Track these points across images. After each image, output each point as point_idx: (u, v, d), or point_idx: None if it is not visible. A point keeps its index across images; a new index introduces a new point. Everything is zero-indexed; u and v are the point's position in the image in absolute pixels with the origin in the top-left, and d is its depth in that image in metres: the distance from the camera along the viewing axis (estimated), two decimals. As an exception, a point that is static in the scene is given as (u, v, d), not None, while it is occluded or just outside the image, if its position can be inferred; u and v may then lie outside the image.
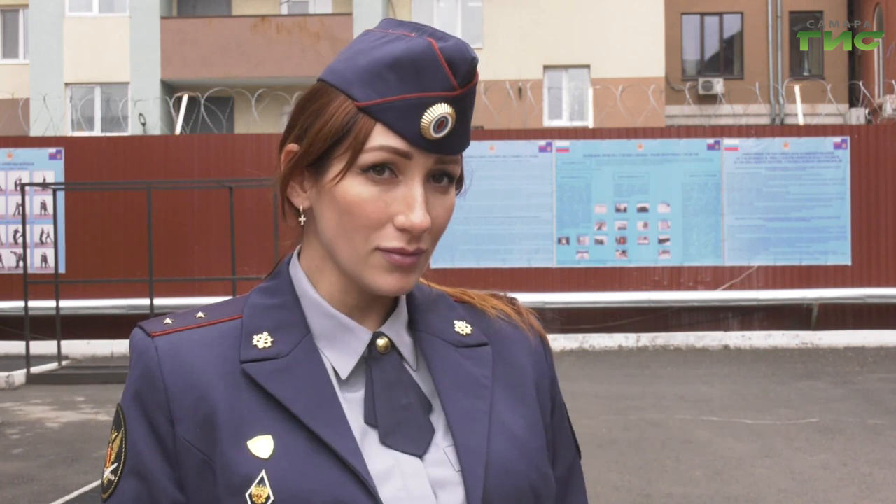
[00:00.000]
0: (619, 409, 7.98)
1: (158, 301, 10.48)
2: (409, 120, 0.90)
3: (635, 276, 12.46)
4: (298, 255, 1.02)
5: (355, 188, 0.91)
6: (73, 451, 6.78)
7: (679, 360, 11.18)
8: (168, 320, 0.99)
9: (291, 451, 0.90)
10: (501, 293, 1.11)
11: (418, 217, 0.90)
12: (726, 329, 12.50)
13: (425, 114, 0.90)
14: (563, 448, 1.08)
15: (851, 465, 6.05)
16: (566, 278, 12.46)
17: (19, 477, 6.09)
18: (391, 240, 0.92)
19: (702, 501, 5.30)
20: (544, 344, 1.09)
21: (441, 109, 0.90)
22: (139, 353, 0.96)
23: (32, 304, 10.93)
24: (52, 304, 10.86)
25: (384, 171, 0.91)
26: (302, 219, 0.98)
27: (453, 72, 0.90)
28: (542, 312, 12.65)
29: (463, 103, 0.92)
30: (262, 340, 0.95)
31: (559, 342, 12.10)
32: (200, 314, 0.99)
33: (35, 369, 10.33)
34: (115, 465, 0.95)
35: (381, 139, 0.90)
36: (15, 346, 11.72)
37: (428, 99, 0.90)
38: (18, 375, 10.11)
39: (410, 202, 0.91)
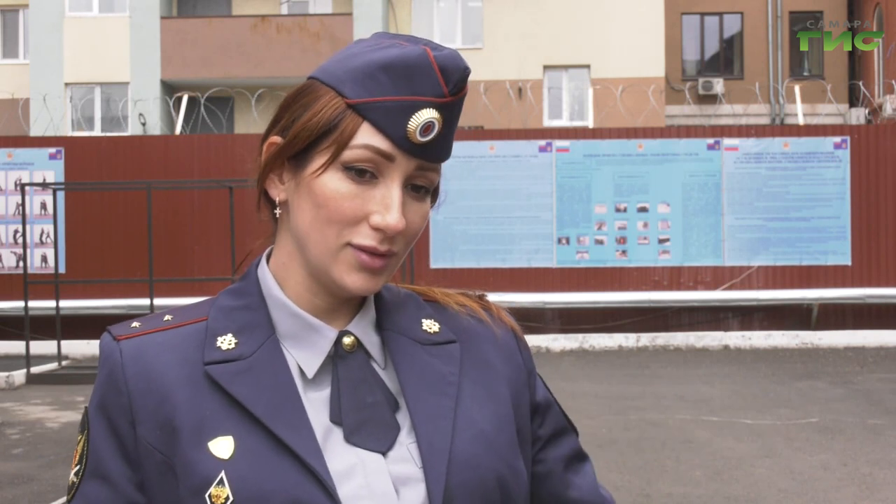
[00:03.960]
0: (619, 409, 7.98)
1: (158, 301, 10.47)
2: (396, 121, 0.91)
3: (635, 276, 12.46)
4: (268, 256, 1.03)
5: (334, 182, 0.92)
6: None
7: (679, 360, 11.17)
8: (135, 323, 1.00)
9: (252, 451, 0.90)
10: (471, 291, 1.12)
11: (393, 218, 0.91)
12: (726, 329, 12.50)
13: (413, 117, 0.91)
14: (550, 418, 1.09)
15: (851, 465, 6.05)
16: (566, 278, 12.46)
17: (19, 477, 6.09)
18: (364, 237, 0.93)
19: (702, 501, 5.30)
20: (517, 338, 1.09)
21: (429, 114, 0.91)
22: (105, 356, 0.97)
23: (32, 304, 10.93)
24: (52, 304, 10.86)
25: (365, 174, 0.92)
26: (277, 211, 0.99)
27: (445, 79, 0.91)
28: (541, 312, 12.60)
29: (451, 111, 0.93)
30: (227, 342, 0.96)
31: (559, 342, 12.10)
32: (168, 317, 1.01)
33: (35, 369, 10.33)
34: (78, 467, 0.97)
35: (367, 138, 0.91)
36: (15, 346, 11.72)
37: (417, 102, 0.91)
38: (18, 375, 10.10)
39: (388, 203, 0.92)
